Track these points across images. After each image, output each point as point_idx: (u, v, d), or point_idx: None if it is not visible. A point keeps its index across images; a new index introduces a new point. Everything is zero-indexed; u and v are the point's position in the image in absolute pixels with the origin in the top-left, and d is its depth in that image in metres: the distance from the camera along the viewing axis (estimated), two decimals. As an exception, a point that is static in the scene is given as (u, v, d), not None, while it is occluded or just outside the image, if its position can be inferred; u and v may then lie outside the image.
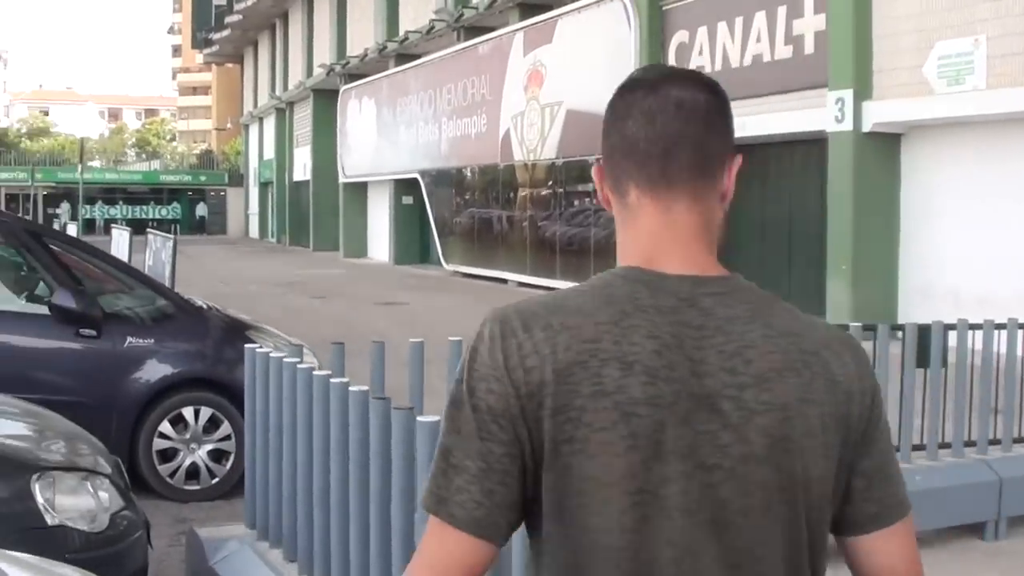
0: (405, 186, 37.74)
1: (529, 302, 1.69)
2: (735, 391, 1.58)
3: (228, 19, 61.38)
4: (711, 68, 21.39)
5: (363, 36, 42.65)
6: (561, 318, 1.62)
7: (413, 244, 38.07)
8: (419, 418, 3.73)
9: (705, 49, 21.59)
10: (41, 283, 8.15)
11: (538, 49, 27.48)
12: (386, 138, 39.50)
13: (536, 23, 27.66)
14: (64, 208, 61.51)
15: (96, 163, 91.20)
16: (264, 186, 62.43)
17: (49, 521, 4.72)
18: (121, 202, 69.80)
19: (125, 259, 23.32)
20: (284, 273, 33.66)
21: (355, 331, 18.74)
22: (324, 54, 47.75)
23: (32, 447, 5.30)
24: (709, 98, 1.79)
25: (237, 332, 8.42)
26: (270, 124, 60.22)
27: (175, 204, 71.24)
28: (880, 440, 1.69)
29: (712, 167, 1.77)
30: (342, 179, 44.39)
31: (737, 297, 1.70)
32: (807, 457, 1.59)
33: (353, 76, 43.63)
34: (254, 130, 66.43)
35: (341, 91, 44.66)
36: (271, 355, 5.48)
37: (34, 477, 4.79)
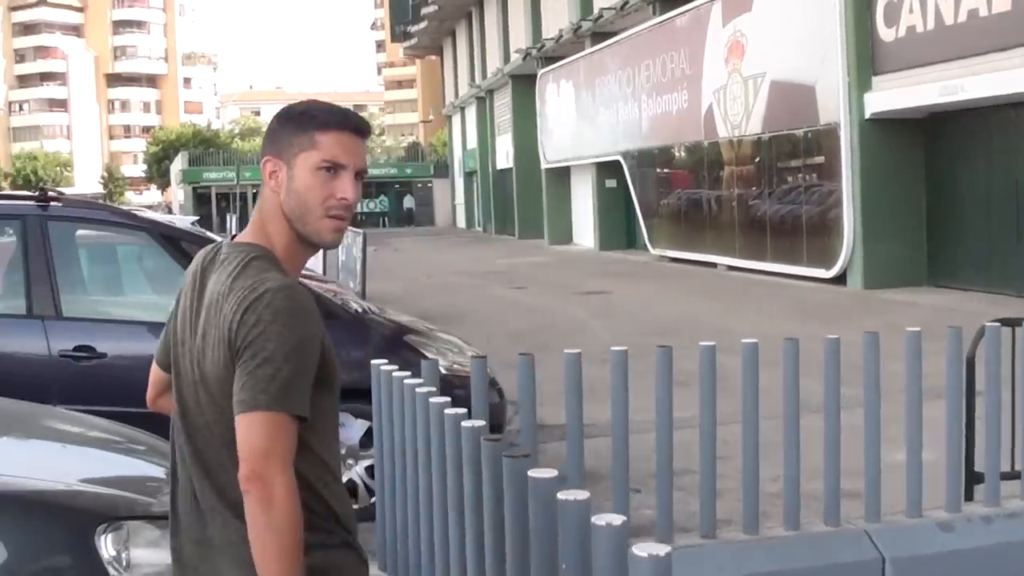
0: (607, 169, 36.94)
1: None
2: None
3: (424, 11, 61.65)
4: (922, 26, 19.97)
5: (557, 17, 42.02)
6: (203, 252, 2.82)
7: (618, 229, 37.22)
8: (531, 472, 2.96)
9: (916, 7, 20.14)
10: None
11: (737, 18, 26.30)
12: (586, 120, 38.79)
13: (734, -9, 26.50)
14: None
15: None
16: (469, 175, 62.65)
17: None
18: (332, 198, 71.02)
19: (319, 255, 23.40)
20: (486, 263, 33.38)
21: (552, 322, 18.24)
22: (520, 39, 47.33)
23: (104, 491, 4.57)
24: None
25: (400, 338, 7.99)
26: (471, 113, 60.28)
27: (383, 197, 72.36)
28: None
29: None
30: (544, 165, 43.89)
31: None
32: None
33: (550, 59, 43.05)
34: (456, 120, 66.70)
35: (539, 75, 44.15)
36: (393, 373, 5.07)
37: (100, 528, 4.10)
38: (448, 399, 4.38)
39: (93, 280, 8.62)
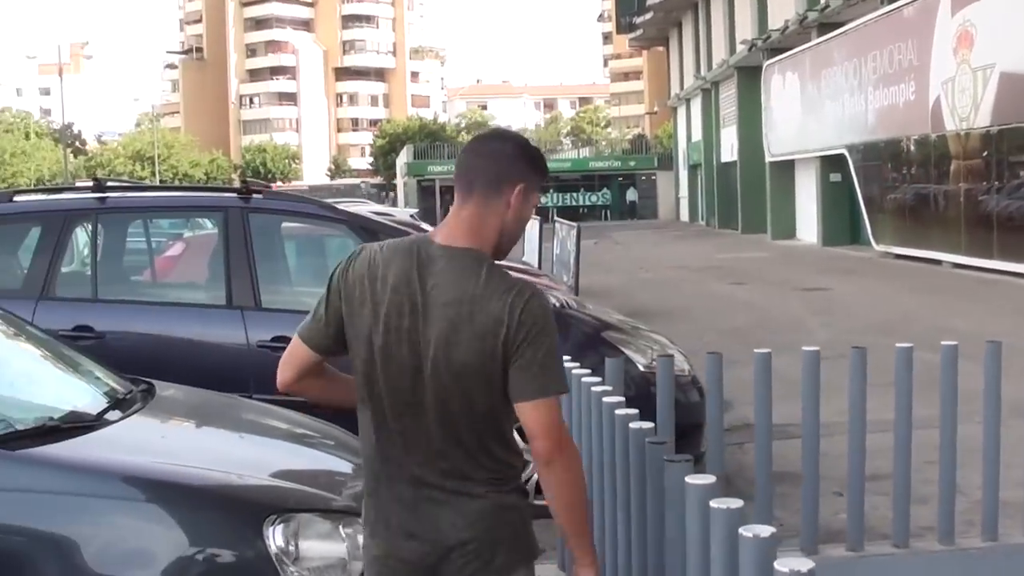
0: (832, 163, 36.79)
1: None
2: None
3: (650, 1, 62.06)
4: None
5: (784, 8, 41.92)
6: (370, 255, 3.32)
7: (842, 224, 37.03)
8: (689, 478, 3.03)
9: None
10: None
11: (966, 8, 26.05)
12: (811, 113, 38.69)
13: (965, -20, 26.28)
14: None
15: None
16: (693, 168, 62.77)
17: (285, 573, 4.10)
18: (552, 190, 72.06)
19: (535, 248, 24.19)
20: (707, 257, 33.70)
21: (769, 319, 18.52)
22: (746, 30, 47.35)
23: (277, 483, 4.67)
24: (498, 145, 3.26)
25: (599, 335, 8.02)
26: (696, 105, 60.45)
27: (605, 190, 72.94)
28: None
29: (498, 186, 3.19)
30: (768, 158, 43.89)
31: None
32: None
33: (775, 50, 43.00)
34: (682, 112, 66.87)
35: (764, 67, 44.17)
36: (573, 371, 4.98)
37: (269, 520, 4.14)
38: (622, 399, 4.40)
39: (294, 272, 8.81)
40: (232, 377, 7.17)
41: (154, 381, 5.59)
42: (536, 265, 23.15)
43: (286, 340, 7.03)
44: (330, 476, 5.05)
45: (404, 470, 3.19)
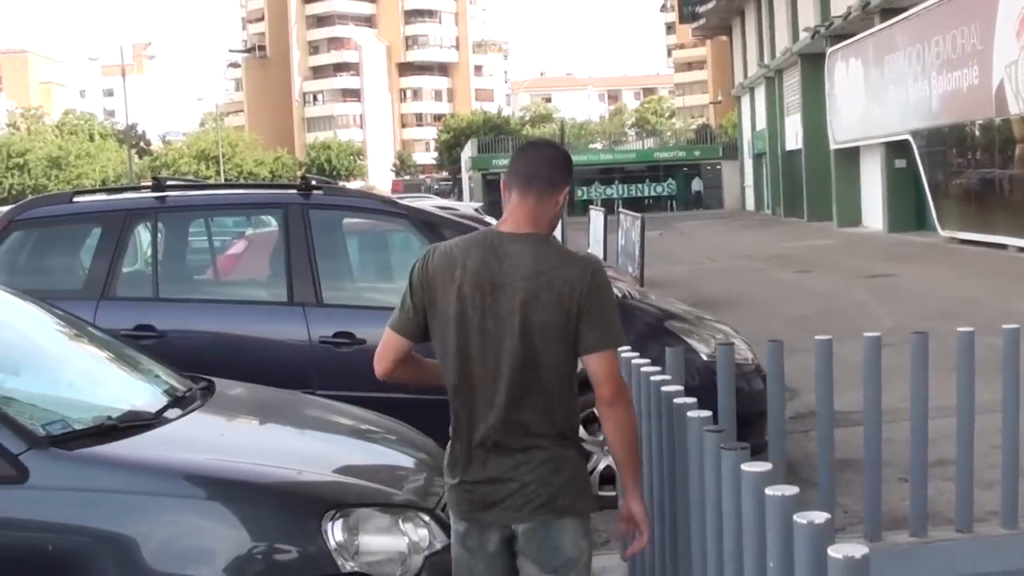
0: (896, 149, 36.70)
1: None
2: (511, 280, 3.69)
3: (713, -10, 61.96)
4: None
5: (846, -6, 41.84)
6: (446, 250, 3.85)
7: (908, 210, 36.93)
8: (745, 466, 3.06)
9: None
10: None
11: (1030, -9, 26.00)
12: (874, 99, 38.55)
13: (1027, -37, 26.15)
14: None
15: (596, 145, 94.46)
16: (758, 157, 62.56)
17: (344, 568, 4.14)
18: (617, 181, 72.07)
19: (599, 240, 24.38)
20: (772, 246, 33.74)
21: (834, 306, 18.59)
22: (808, 17, 47.18)
23: (336, 478, 4.69)
24: (552, 152, 3.93)
25: (662, 324, 7.99)
26: (760, 94, 60.23)
27: (670, 180, 72.77)
28: None
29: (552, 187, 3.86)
30: (832, 145, 43.77)
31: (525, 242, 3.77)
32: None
33: (838, 37, 42.83)
34: (746, 101, 66.63)
35: (827, 54, 44.00)
36: (632, 360, 4.95)
37: (328, 515, 4.21)
38: (681, 387, 4.42)
39: (355, 267, 8.79)
40: (294, 374, 7.29)
41: (215, 379, 5.66)
42: (602, 256, 23.40)
43: (347, 336, 7.49)
44: (391, 471, 5.10)
45: (482, 427, 3.78)
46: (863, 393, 5.69)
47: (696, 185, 73.37)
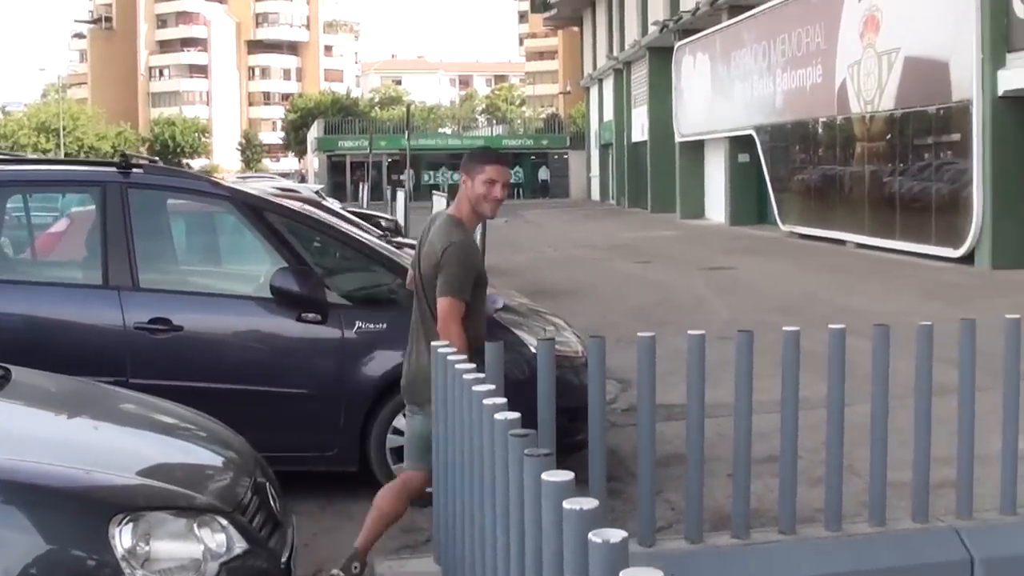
0: (740, 143, 37.15)
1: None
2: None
3: (565, -20, 62.02)
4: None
5: (696, -11, 42.19)
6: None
7: (749, 204, 37.40)
8: (545, 475, 2.88)
9: (1057, -20, 20.11)
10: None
11: (874, -7, 26.37)
12: (720, 94, 38.96)
13: (872, -35, 26.50)
14: (409, 175, 63.93)
15: (446, 130, 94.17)
16: (604, 148, 62.95)
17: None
18: (466, 167, 71.92)
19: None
20: (615, 236, 33.80)
21: (672, 298, 18.55)
22: (658, 11, 47.43)
23: (127, 480, 4.24)
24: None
25: (491, 317, 7.62)
26: (609, 86, 60.56)
27: (518, 168, 72.77)
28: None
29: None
30: (678, 138, 44.16)
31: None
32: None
33: (687, 32, 43.19)
34: (594, 92, 66.96)
35: (675, 48, 44.34)
36: (449, 356, 4.84)
37: (116, 519, 3.86)
38: (491, 386, 4.26)
39: (177, 250, 8.50)
40: (107, 361, 7.01)
41: (11, 367, 5.23)
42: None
43: (164, 322, 7.06)
44: (194, 471, 4.73)
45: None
46: (687, 390, 5.55)
47: (543, 174, 73.75)
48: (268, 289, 7.20)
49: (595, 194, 66.97)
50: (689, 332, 5.56)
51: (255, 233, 7.46)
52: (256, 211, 7.52)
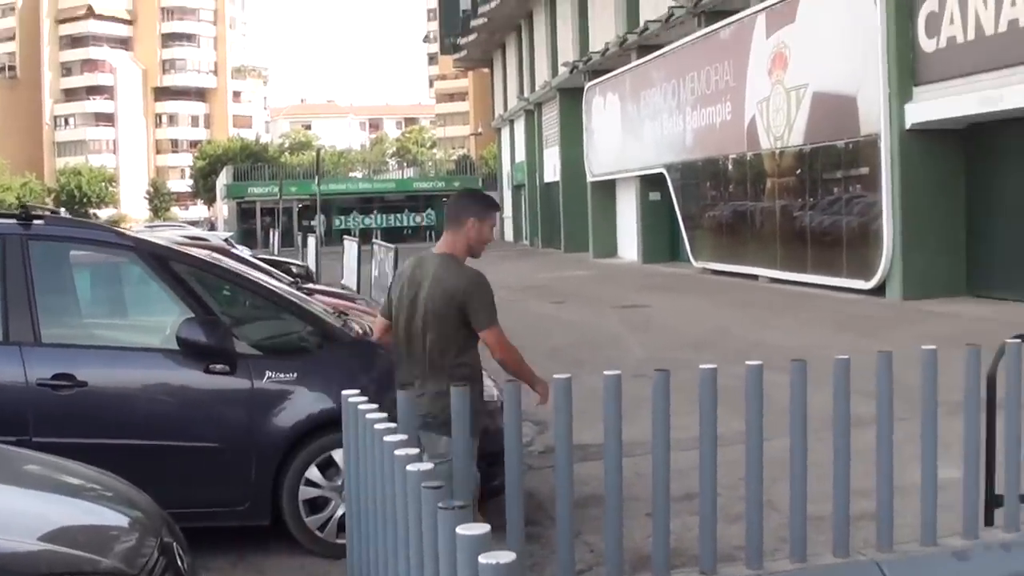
0: (651, 182, 37.36)
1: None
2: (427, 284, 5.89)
3: (474, 23, 62.22)
4: (963, 37, 20.21)
5: (604, 30, 42.47)
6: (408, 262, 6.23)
7: (662, 242, 37.61)
8: (460, 529, 2.85)
9: (956, 17, 20.41)
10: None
11: (781, 30, 26.65)
12: (631, 133, 39.21)
13: (778, 2, 26.80)
14: (319, 220, 63.60)
15: (357, 174, 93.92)
16: (517, 189, 63.10)
17: None
18: (377, 211, 71.85)
19: (353, 269, 23.85)
20: (529, 277, 33.70)
21: (588, 337, 18.50)
22: (568, 52, 47.80)
23: (29, 544, 4.04)
24: (455, 200, 6.23)
25: None
26: (520, 126, 60.78)
27: (429, 211, 72.92)
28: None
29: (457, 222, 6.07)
30: (590, 178, 44.35)
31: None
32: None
33: (596, 72, 43.51)
34: (506, 133, 67.18)
35: (585, 88, 44.60)
36: (359, 406, 4.83)
37: None
38: (403, 436, 4.26)
39: (81, 303, 8.24)
40: (8, 419, 6.80)
41: None
42: (355, 288, 22.84)
43: (68, 377, 6.90)
44: (101, 533, 4.52)
45: (413, 370, 5.94)
46: (604, 430, 5.47)
47: (455, 216, 73.74)
48: (175, 340, 7.07)
49: (508, 235, 66.97)
50: (605, 372, 5.48)
51: (161, 283, 7.33)
52: (162, 261, 7.40)
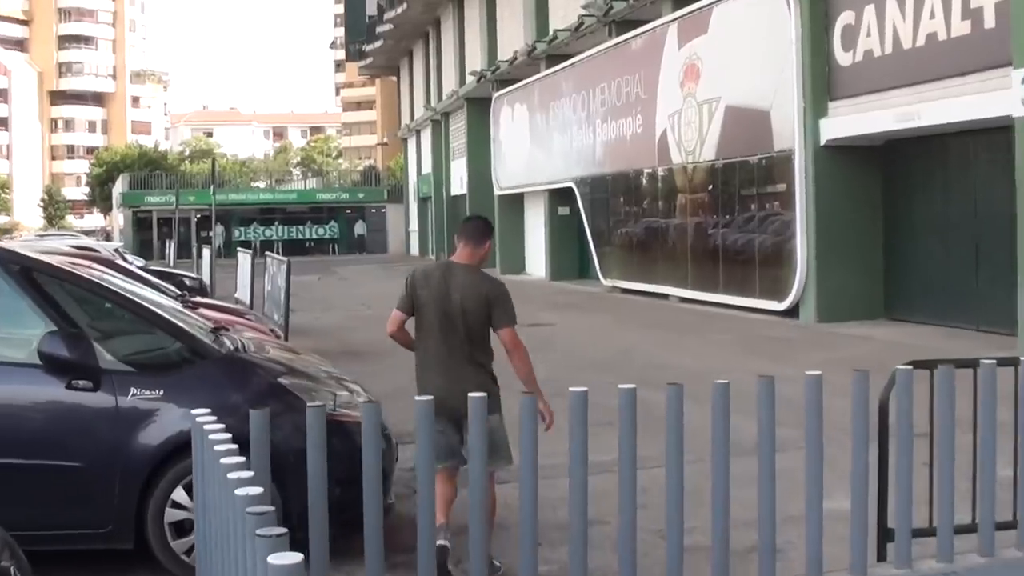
0: (560, 196, 36.91)
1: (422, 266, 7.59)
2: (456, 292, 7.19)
3: (380, 29, 61.69)
4: (880, 51, 19.92)
5: (513, 39, 42.04)
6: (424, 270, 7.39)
7: (571, 258, 37.15)
8: (271, 558, 2.71)
9: (873, 30, 20.11)
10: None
11: (693, 41, 26.28)
12: (539, 145, 38.77)
13: (690, 12, 26.44)
14: (219, 230, 62.56)
15: (259, 184, 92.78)
16: (423, 201, 62.59)
17: None
18: (278, 222, 70.91)
19: (246, 284, 23.06)
20: (433, 293, 33.06)
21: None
22: (476, 60, 47.34)
23: None
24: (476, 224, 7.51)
25: (278, 382, 7.57)
26: (427, 136, 60.26)
27: (333, 223, 72.17)
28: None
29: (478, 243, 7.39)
30: (497, 191, 43.82)
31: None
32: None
33: (505, 82, 43.03)
34: (412, 144, 66.67)
35: (493, 98, 44.10)
36: (205, 426, 4.58)
37: None
38: (241, 459, 4.15)
39: None
40: None
41: None
42: (248, 303, 22.06)
43: None
44: None
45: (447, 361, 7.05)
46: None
47: (360, 228, 73.03)
48: (36, 355, 6.86)
49: (415, 249, 66.48)
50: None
51: (23, 295, 7.08)
52: (25, 272, 7.17)
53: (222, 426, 4.66)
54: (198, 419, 4.80)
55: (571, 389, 5.16)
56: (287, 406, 6.92)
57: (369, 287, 37.94)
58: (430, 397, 5.32)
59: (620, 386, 5.26)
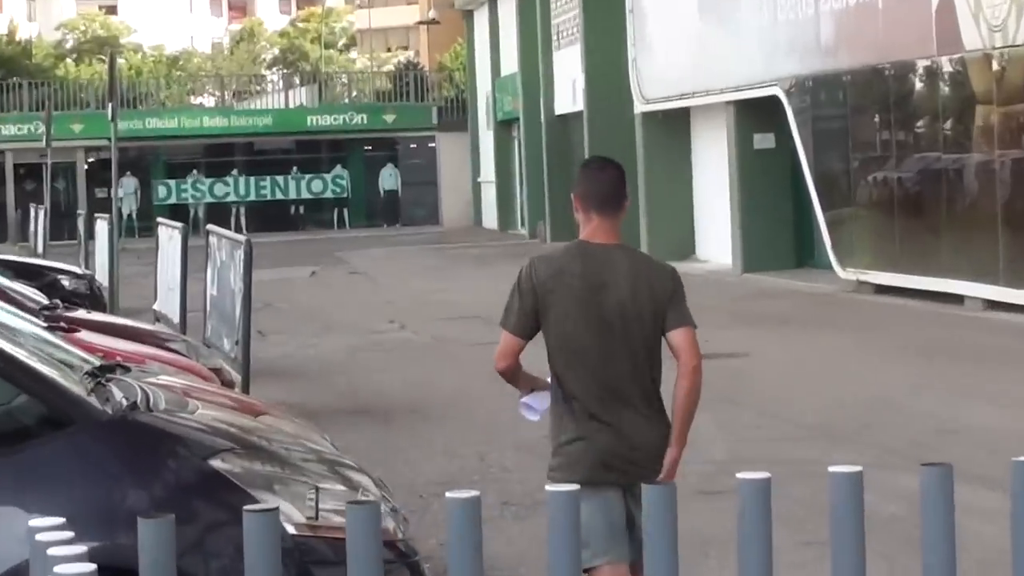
0: (757, 113, 37.35)
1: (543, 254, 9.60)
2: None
3: None
4: None
5: None
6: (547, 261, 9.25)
7: (778, 231, 37.61)
8: None
9: None
10: None
11: None
12: (717, 21, 39.08)
13: None
14: (129, 186, 62.99)
15: (204, 99, 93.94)
16: (504, 127, 62.82)
17: None
18: (238, 171, 70.98)
19: (174, 286, 23.34)
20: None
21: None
22: None
23: None
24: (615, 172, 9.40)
25: (206, 464, 7.80)
26: (510, 7, 60.36)
27: (339, 170, 72.00)
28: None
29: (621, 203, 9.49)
30: (638, 107, 44.26)
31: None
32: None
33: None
34: (482, 20, 67.05)
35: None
36: (53, 550, 4.67)
37: None
38: None
39: None
40: None
41: None
42: (177, 319, 22.30)
43: None
44: None
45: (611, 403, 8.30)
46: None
47: (388, 180, 73.00)
48: None
49: (490, 216, 66.63)
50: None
51: None
52: None
53: (83, 550, 4.66)
54: (40, 539, 4.82)
55: (741, 476, 5.15)
56: (224, 511, 7.20)
57: (403, 287, 38.66)
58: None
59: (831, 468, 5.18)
